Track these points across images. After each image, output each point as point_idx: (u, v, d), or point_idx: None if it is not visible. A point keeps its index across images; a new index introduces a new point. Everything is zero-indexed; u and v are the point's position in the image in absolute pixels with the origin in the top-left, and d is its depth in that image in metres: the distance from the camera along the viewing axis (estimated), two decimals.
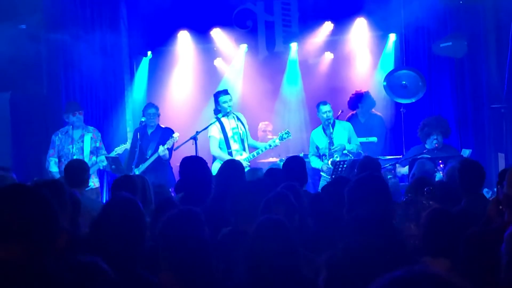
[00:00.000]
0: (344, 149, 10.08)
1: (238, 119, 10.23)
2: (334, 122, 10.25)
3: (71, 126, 10.34)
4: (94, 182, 9.99)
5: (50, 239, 2.79)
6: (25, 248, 2.71)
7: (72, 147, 10.25)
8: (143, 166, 10.30)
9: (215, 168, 9.57)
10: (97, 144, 10.40)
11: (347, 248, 2.80)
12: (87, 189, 9.36)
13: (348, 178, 6.07)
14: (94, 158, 10.28)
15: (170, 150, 10.25)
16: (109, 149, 10.72)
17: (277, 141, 10.06)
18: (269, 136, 11.55)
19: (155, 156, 10.20)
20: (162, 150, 10.12)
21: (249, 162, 10.00)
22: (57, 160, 10.26)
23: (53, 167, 10.25)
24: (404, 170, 9.51)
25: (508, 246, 3.40)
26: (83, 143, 10.29)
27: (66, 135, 10.36)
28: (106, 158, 10.12)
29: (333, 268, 2.76)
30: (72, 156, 10.04)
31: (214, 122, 10.07)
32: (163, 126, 10.74)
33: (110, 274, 3.08)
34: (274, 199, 4.77)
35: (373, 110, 11.55)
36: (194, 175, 6.23)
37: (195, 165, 6.35)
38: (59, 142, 10.34)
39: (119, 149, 10.32)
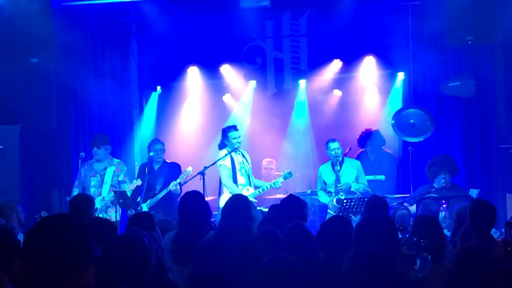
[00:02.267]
0: (350, 188, 10.13)
1: (243, 156, 10.31)
2: (343, 159, 10.33)
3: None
4: (111, 216, 9.95)
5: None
6: None
7: (93, 179, 10.28)
8: (152, 201, 10.28)
9: (223, 200, 9.58)
10: (120, 178, 10.39)
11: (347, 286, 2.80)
12: None
13: (346, 218, 6.11)
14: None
15: (181, 185, 10.24)
16: None
17: (281, 180, 10.15)
18: (276, 173, 11.58)
19: (165, 191, 10.18)
20: (173, 185, 10.09)
21: (255, 198, 10.04)
22: (80, 191, 10.24)
23: None
24: (412, 208, 9.49)
25: None
26: (104, 176, 10.31)
27: (90, 167, 10.42)
28: (114, 192, 10.10)
29: None
30: (91, 188, 10.10)
31: (223, 157, 10.11)
32: (168, 161, 10.77)
33: None
34: (261, 236, 4.79)
35: (383, 147, 11.56)
36: (190, 211, 6.22)
37: (191, 200, 6.34)
38: (84, 173, 10.40)
39: (131, 185, 10.23)
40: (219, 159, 10.10)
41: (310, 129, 12.82)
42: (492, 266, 4.59)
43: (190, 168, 10.12)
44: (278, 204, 7.23)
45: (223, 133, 10.36)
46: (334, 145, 10.33)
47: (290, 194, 7.18)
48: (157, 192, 10.34)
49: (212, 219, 6.60)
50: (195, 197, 6.41)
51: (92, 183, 10.30)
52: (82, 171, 10.49)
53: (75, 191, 10.32)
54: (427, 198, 9.01)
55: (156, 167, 10.63)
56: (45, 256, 2.70)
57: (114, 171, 10.39)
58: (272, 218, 6.52)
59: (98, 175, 10.35)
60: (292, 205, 6.75)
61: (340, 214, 8.98)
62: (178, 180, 10.08)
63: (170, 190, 10.13)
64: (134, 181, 10.27)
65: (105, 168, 10.39)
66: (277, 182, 10.18)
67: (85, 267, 2.78)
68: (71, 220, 2.89)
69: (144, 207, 10.08)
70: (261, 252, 4.52)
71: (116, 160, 10.61)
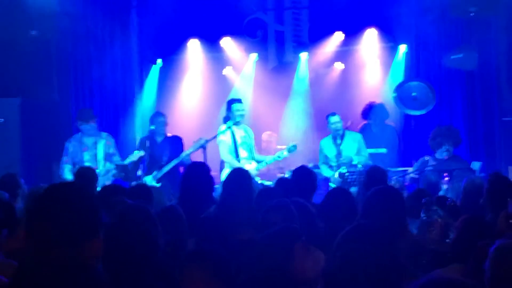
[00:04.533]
0: (352, 161, 10.10)
1: (246, 130, 10.24)
2: (344, 132, 10.27)
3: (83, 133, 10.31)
4: None
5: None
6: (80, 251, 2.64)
7: (86, 154, 10.21)
8: (159, 174, 10.24)
9: (224, 175, 9.53)
10: (111, 151, 10.30)
11: (343, 257, 2.77)
12: None
13: (347, 190, 6.11)
14: (108, 164, 10.22)
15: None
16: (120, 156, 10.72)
17: (285, 153, 10.06)
18: (278, 147, 11.53)
19: (176, 161, 10.07)
20: (186, 154, 9.98)
21: (258, 171, 10.01)
22: (71, 167, 10.16)
23: (68, 174, 10.16)
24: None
25: (492, 262, 3.40)
26: (96, 150, 10.23)
27: (79, 142, 10.27)
28: (116, 166, 10.04)
29: (330, 276, 2.74)
30: (85, 163, 10.02)
31: (223, 131, 10.04)
32: (169, 134, 10.72)
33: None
34: (273, 208, 4.77)
35: (386, 121, 11.51)
36: (193, 183, 6.19)
37: (195, 171, 6.31)
38: (73, 149, 10.25)
39: (133, 157, 10.15)
40: (218, 134, 10.04)
41: (311, 102, 12.74)
42: (494, 238, 4.58)
43: (204, 139, 10.02)
44: (284, 178, 7.22)
45: (227, 105, 10.29)
46: (334, 119, 10.27)
47: (302, 165, 7.21)
48: (164, 163, 10.28)
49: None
50: (200, 169, 6.38)
51: (85, 157, 10.18)
52: (70, 147, 10.28)
53: (66, 167, 10.22)
54: (427, 170, 9.00)
55: (159, 139, 10.58)
56: (56, 225, 2.60)
57: (105, 144, 10.31)
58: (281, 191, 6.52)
59: (89, 150, 10.26)
60: (303, 176, 6.78)
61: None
62: (191, 150, 9.97)
63: (181, 161, 10.02)
64: (136, 152, 10.19)
65: (96, 142, 10.30)
66: (280, 155, 10.11)
67: (96, 235, 2.71)
68: (80, 187, 2.81)
69: (150, 179, 10.05)
70: (273, 224, 4.51)
71: (104, 134, 10.49)
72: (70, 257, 2.59)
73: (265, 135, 12.01)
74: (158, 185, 10.13)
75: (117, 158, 10.25)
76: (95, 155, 10.20)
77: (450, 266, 4.12)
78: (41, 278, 2.53)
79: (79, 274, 2.55)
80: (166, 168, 10.17)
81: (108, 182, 9.96)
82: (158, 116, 10.65)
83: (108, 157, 10.24)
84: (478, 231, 4.23)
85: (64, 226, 2.61)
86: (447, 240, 4.82)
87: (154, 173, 10.19)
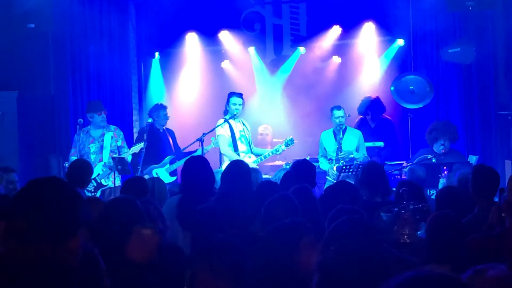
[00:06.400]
0: (351, 154, 10.09)
1: (243, 124, 10.24)
2: (345, 128, 10.22)
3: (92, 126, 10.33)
4: (113, 181, 9.94)
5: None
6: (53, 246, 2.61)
7: (92, 146, 10.22)
8: (172, 167, 10.44)
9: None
10: (119, 143, 10.30)
11: (339, 250, 2.78)
12: (104, 188, 9.64)
13: (350, 182, 6.11)
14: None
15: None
16: None
17: (283, 147, 10.04)
18: (274, 139, 11.54)
19: (199, 151, 10.01)
20: (206, 149, 10.11)
21: (257, 165, 10.01)
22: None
23: None
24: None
25: None
26: (103, 142, 10.24)
27: (87, 134, 10.28)
28: (112, 158, 10.02)
29: (325, 271, 2.74)
30: (91, 155, 10.06)
31: (221, 124, 10.04)
32: (164, 127, 10.87)
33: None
34: (276, 201, 4.77)
35: (383, 114, 11.51)
36: (195, 176, 6.20)
37: (196, 165, 6.32)
38: (81, 141, 10.28)
39: (135, 148, 10.19)
40: (216, 127, 10.05)
41: (309, 96, 12.69)
42: (485, 232, 4.59)
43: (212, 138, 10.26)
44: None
45: (227, 98, 10.29)
46: (339, 113, 10.16)
47: (304, 159, 7.23)
48: (175, 156, 10.47)
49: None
50: (200, 162, 6.40)
51: (92, 149, 10.22)
52: (78, 139, 10.37)
53: (73, 159, 10.24)
54: (415, 164, 9.03)
55: (161, 131, 10.74)
56: (33, 222, 2.57)
57: (112, 136, 10.31)
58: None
59: (96, 142, 10.28)
60: (304, 169, 6.79)
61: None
62: (211, 146, 10.17)
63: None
64: (138, 144, 10.20)
65: (103, 134, 10.30)
66: (278, 148, 10.10)
67: (74, 234, 2.67)
68: (60, 183, 2.77)
69: (163, 172, 10.14)
70: (276, 217, 4.53)
71: (112, 126, 10.51)
72: (46, 255, 2.57)
73: (261, 128, 12.01)
74: (173, 178, 10.26)
75: (126, 150, 10.26)
76: (101, 147, 10.22)
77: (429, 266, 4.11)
78: (14, 275, 2.52)
79: (51, 273, 2.54)
80: (180, 163, 10.19)
81: (112, 174, 10.05)
82: (163, 109, 10.80)
83: (116, 150, 10.24)
84: (449, 228, 4.21)
85: (41, 223, 2.56)
86: (419, 232, 4.83)
87: (167, 166, 10.26)
